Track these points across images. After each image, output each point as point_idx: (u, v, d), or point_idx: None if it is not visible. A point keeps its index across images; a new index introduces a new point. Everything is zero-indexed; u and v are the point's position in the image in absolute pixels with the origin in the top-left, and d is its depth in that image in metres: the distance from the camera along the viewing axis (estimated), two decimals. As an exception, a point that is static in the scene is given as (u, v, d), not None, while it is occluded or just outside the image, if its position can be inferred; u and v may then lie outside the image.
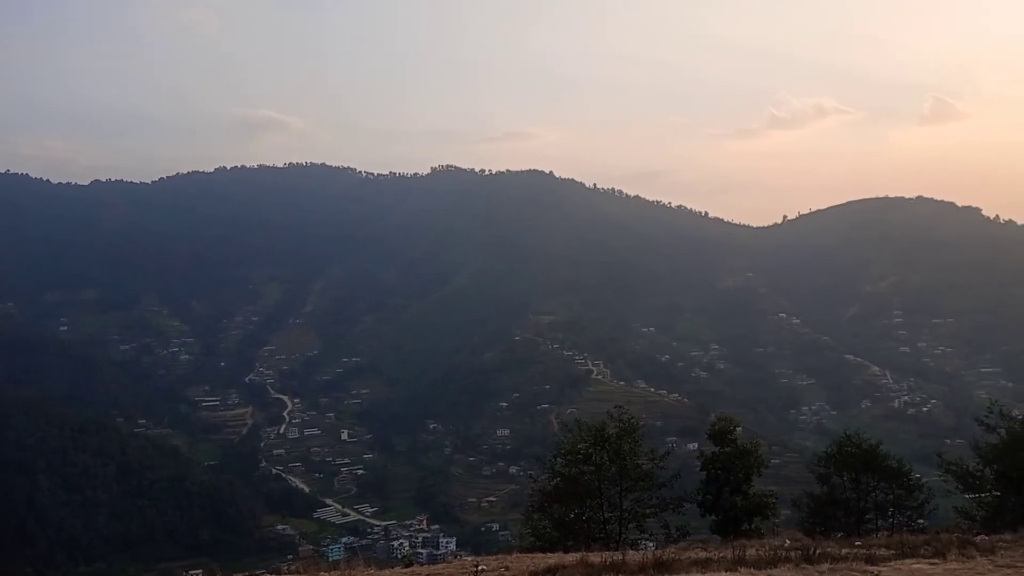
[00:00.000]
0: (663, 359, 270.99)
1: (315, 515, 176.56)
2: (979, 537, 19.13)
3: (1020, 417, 35.85)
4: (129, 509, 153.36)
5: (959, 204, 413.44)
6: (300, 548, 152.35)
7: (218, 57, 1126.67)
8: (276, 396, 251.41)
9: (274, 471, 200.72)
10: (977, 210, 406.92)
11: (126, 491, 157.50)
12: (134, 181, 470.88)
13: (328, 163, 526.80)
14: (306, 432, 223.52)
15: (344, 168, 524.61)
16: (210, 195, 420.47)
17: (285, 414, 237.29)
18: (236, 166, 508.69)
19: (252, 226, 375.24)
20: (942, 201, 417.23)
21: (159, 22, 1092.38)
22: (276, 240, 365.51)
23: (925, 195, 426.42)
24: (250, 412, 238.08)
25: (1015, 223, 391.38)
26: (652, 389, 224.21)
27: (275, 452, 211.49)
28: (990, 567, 15.75)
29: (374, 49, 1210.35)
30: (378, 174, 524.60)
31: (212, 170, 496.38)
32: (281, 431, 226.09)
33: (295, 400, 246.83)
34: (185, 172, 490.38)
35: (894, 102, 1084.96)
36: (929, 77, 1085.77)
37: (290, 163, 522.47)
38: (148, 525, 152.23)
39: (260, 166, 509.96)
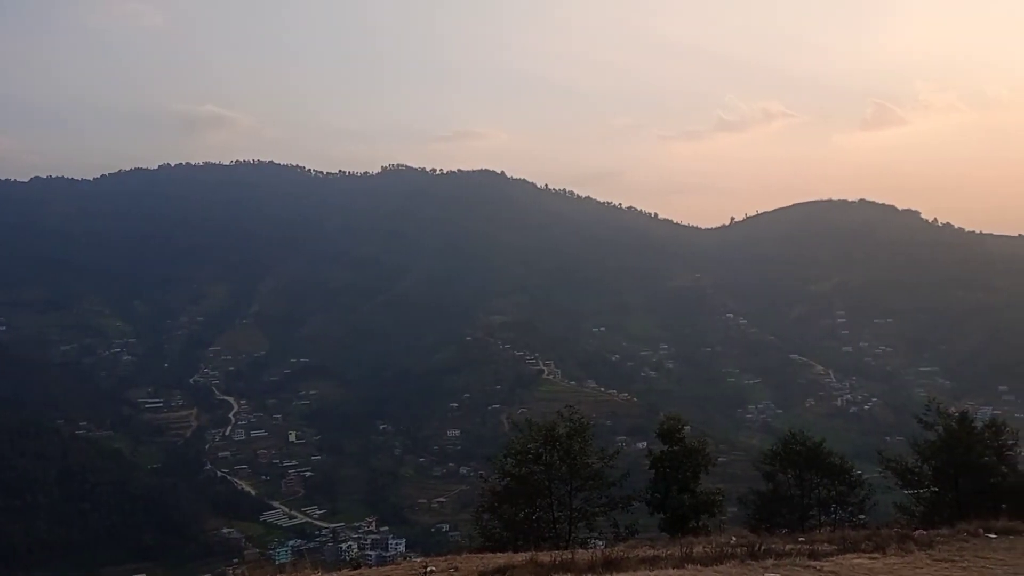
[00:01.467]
0: (613, 359, 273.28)
1: (261, 518, 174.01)
2: (918, 532, 19.59)
3: (957, 415, 36.84)
4: (70, 514, 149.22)
5: (899, 207, 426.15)
6: (246, 552, 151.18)
7: (163, 51, 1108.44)
8: (222, 398, 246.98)
9: (219, 474, 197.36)
10: (916, 213, 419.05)
11: (67, 495, 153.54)
12: (75, 178, 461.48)
13: (276, 161, 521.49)
14: (252, 434, 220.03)
15: (293, 166, 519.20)
16: (154, 193, 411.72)
17: (231, 416, 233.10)
18: (181, 163, 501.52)
19: (197, 225, 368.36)
20: (883, 204, 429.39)
21: (102, 15, 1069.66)
22: (222, 239, 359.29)
23: (867, 198, 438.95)
24: (195, 414, 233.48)
25: (952, 226, 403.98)
26: (602, 388, 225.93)
27: (220, 454, 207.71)
28: (928, 561, 16.14)
29: (324, 47, 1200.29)
30: (328, 173, 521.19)
31: (156, 167, 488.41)
32: (227, 433, 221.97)
33: (241, 402, 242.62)
34: (128, 169, 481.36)
35: (838, 107, 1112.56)
36: (872, 83, 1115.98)
37: (237, 161, 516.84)
38: (90, 530, 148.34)
39: (206, 163, 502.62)
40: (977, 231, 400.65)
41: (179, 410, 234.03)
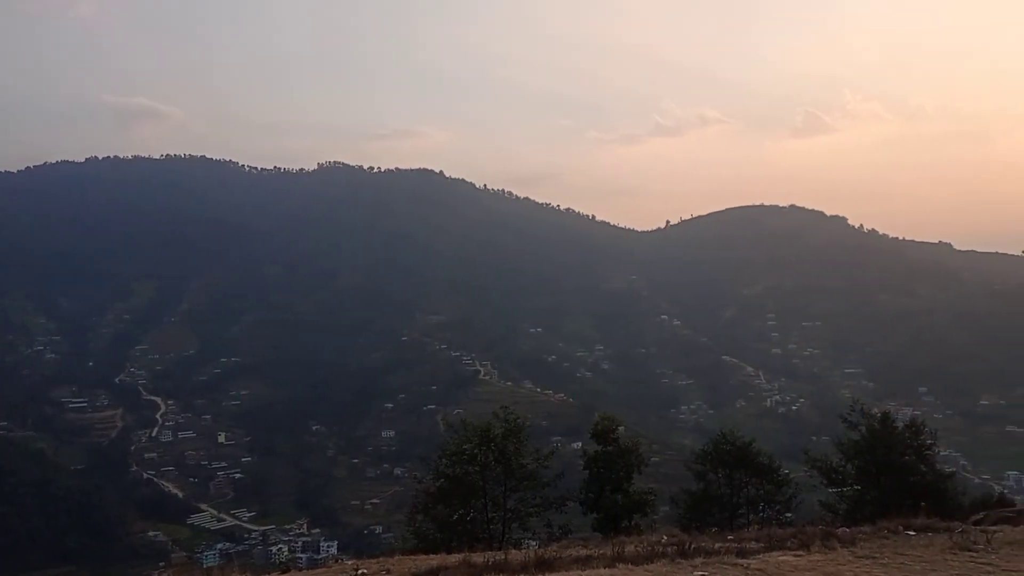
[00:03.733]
0: (550, 359, 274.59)
1: (189, 520, 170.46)
2: (841, 529, 20.06)
3: (879, 415, 37.98)
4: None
5: (828, 213, 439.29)
6: (172, 555, 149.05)
7: (92, 42, 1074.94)
8: (148, 398, 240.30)
9: (145, 475, 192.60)
10: (844, 220, 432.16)
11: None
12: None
13: (208, 155, 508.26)
14: (180, 435, 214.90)
15: (225, 161, 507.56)
16: (81, 186, 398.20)
17: (158, 416, 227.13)
18: (109, 156, 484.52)
19: (125, 219, 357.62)
20: (812, 210, 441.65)
21: (29, 3, 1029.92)
22: (151, 235, 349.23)
23: (798, 204, 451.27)
24: (120, 414, 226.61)
25: (877, 232, 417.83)
26: (538, 389, 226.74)
27: (147, 456, 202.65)
28: (850, 558, 16.56)
29: (259, 41, 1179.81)
30: (262, 168, 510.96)
31: (83, 160, 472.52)
32: (153, 434, 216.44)
33: (169, 402, 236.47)
34: (54, 162, 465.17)
35: (771, 115, 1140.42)
36: (802, 92, 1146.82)
37: (167, 155, 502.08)
38: (10, 532, 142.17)
39: (135, 157, 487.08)
40: (900, 237, 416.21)
41: (104, 410, 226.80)
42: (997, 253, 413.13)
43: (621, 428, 36.11)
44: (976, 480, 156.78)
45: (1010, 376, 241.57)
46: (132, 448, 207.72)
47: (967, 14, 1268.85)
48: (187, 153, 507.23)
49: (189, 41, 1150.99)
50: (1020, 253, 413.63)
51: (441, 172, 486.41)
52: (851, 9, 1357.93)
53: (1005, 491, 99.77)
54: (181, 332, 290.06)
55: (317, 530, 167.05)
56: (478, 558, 18.34)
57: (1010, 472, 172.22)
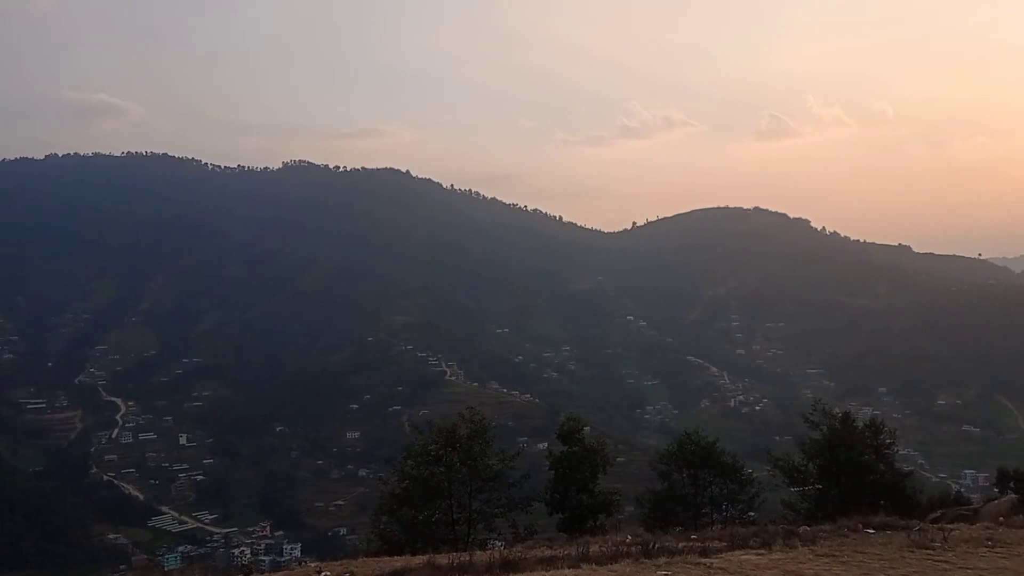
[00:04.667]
0: (516, 360, 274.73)
1: (150, 523, 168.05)
2: (802, 528, 20.31)
3: (840, 415, 38.57)
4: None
5: (791, 215, 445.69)
6: (133, 558, 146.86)
7: (52, 36, 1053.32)
8: (108, 399, 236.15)
9: (105, 478, 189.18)
10: (807, 222, 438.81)
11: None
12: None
13: (171, 153, 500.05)
14: (141, 436, 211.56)
15: (188, 159, 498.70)
16: (39, 183, 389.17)
17: (118, 418, 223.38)
18: (69, 153, 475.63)
19: (85, 217, 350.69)
20: (776, 212, 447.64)
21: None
22: (111, 233, 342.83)
23: (761, 206, 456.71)
24: (80, 416, 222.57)
25: (839, 235, 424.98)
26: (504, 390, 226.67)
27: (107, 458, 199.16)
28: (811, 556, 16.76)
29: (224, 36, 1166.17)
30: (225, 167, 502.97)
31: (42, 157, 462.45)
32: (113, 435, 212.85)
33: (129, 403, 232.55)
34: (12, 158, 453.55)
35: (735, 118, 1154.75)
36: (767, 96, 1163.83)
37: (128, 152, 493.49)
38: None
39: (95, 154, 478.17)
40: (862, 240, 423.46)
41: (63, 411, 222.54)
42: (954, 256, 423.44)
43: (587, 428, 36.25)
44: (933, 479, 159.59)
45: (966, 376, 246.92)
46: (92, 450, 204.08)
47: (926, 21, 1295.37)
48: (149, 151, 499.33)
49: (152, 37, 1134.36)
50: (976, 256, 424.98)
51: (408, 172, 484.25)
52: (814, 16, 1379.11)
53: (961, 489, 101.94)
54: (142, 332, 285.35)
55: (280, 532, 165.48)
56: (443, 559, 18.29)
57: (966, 471, 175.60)
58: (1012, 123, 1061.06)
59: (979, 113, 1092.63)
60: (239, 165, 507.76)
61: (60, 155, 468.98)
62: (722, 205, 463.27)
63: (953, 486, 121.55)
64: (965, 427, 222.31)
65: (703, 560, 16.29)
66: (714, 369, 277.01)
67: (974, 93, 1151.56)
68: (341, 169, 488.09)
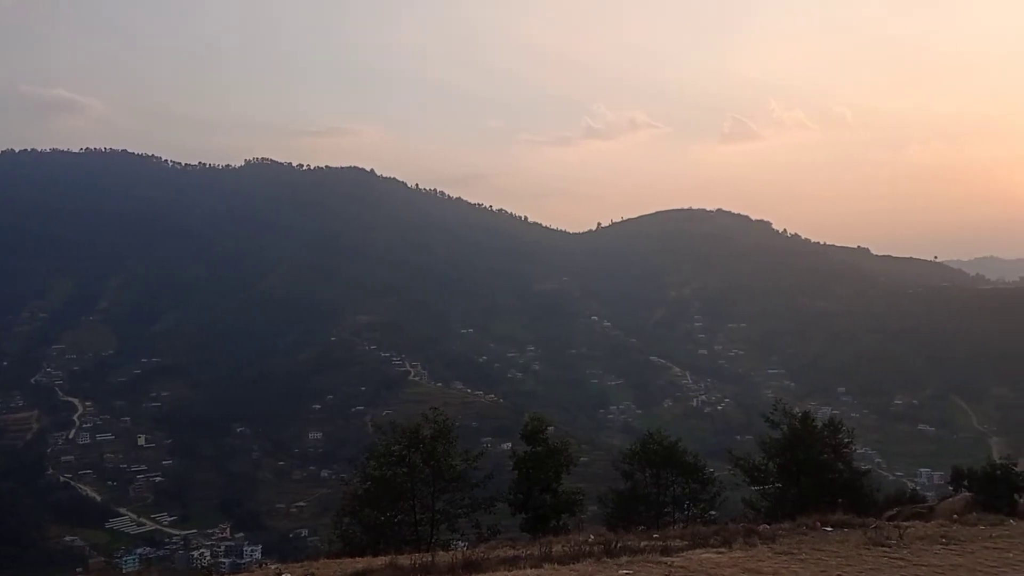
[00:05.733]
0: (480, 360, 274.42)
1: (107, 525, 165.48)
2: (762, 526, 20.53)
3: (800, 414, 39.08)
4: None
5: (753, 217, 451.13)
6: (91, 560, 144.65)
7: (8, 29, 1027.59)
8: (65, 399, 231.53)
9: (62, 479, 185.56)
10: (768, 224, 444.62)
11: None
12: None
13: (130, 150, 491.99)
14: (98, 437, 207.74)
15: (148, 156, 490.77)
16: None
17: (75, 418, 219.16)
18: (26, 149, 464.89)
19: (42, 214, 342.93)
20: (738, 214, 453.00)
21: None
22: (69, 230, 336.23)
23: (724, 208, 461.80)
24: (36, 416, 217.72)
25: (800, 237, 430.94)
26: (469, 390, 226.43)
27: (64, 459, 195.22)
28: (770, 554, 16.94)
29: (187, 32, 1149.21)
30: (186, 164, 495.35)
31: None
32: (70, 436, 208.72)
33: (87, 403, 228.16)
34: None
35: (699, 120, 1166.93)
36: (730, 99, 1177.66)
37: (87, 148, 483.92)
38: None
39: (53, 150, 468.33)
40: (822, 242, 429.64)
41: (19, 411, 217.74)
42: (911, 258, 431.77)
43: (551, 428, 36.28)
44: (890, 477, 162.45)
45: (922, 377, 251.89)
46: (48, 451, 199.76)
47: (886, 26, 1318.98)
48: (108, 147, 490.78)
49: (111, 31, 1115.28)
50: (932, 259, 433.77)
51: (372, 171, 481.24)
52: (777, 22, 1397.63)
53: (917, 488, 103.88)
54: (100, 331, 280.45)
55: (241, 534, 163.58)
56: (405, 560, 18.19)
57: (922, 469, 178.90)
58: (966, 128, 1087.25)
59: (935, 118, 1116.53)
60: (200, 162, 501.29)
61: (17, 151, 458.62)
62: (686, 207, 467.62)
63: (909, 484, 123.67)
64: (921, 426, 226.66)
65: (664, 559, 16.39)
66: (677, 369, 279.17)
67: (930, 99, 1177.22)
68: (305, 167, 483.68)
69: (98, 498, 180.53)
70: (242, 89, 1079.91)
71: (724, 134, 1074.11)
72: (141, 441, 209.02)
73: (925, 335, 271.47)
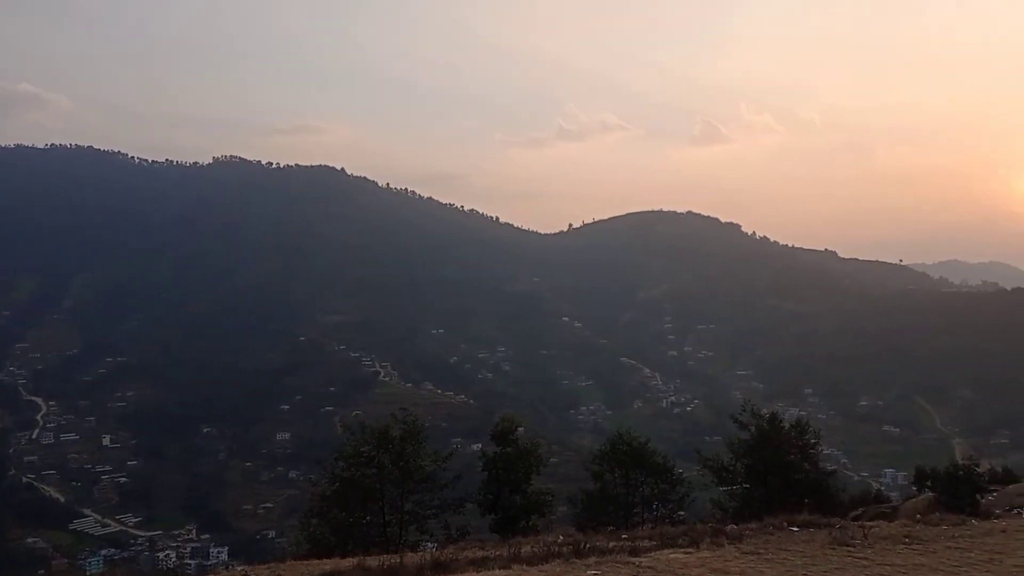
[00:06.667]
0: (451, 361, 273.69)
1: (71, 526, 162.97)
2: (729, 527, 20.70)
3: (768, 416, 39.42)
4: None
5: (723, 220, 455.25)
6: (54, 562, 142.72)
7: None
8: (29, 398, 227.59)
9: (25, 479, 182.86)
10: (737, 226, 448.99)
11: None
12: None
13: (96, 146, 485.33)
14: (62, 437, 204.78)
15: (115, 153, 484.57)
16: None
17: (39, 417, 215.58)
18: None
19: (7, 211, 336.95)
20: (708, 217, 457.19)
21: None
22: (33, 228, 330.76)
23: (694, 210, 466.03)
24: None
25: (769, 240, 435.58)
26: (439, 391, 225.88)
27: (26, 459, 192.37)
28: (737, 554, 17.08)
29: (152, 28, 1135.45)
30: (153, 161, 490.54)
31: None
32: (34, 436, 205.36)
33: (51, 403, 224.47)
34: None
35: (670, 123, 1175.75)
36: (701, 102, 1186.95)
37: (53, 144, 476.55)
38: None
39: (17, 146, 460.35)
40: (790, 245, 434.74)
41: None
42: (877, 262, 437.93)
43: (521, 429, 36.29)
44: (855, 477, 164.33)
45: (886, 378, 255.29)
46: (11, 451, 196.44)
47: (854, 31, 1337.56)
48: (74, 143, 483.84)
49: (77, 27, 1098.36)
50: (897, 262, 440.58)
51: (342, 169, 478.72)
52: (747, 26, 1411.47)
53: (881, 488, 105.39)
54: (65, 330, 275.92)
55: (207, 536, 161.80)
56: (373, 562, 18.11)
57: (886, 469, 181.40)
58: (930, 134, 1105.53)
59: (901, 124, 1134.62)
60: (168, 160, 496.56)
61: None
62: (656, 209, 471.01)
63: (874, 485, 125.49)
64: (886, 427, 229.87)
65: (632, 559, 16.45)
66: (647, 370, 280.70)
67: (897, 104, 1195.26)
68: (275, 166, 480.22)
69: (62, 499, 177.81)
70: (210, 86, 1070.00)
71: (694, 136, 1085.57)
72: (106, 441, 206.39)
73: (890, 337, 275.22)
